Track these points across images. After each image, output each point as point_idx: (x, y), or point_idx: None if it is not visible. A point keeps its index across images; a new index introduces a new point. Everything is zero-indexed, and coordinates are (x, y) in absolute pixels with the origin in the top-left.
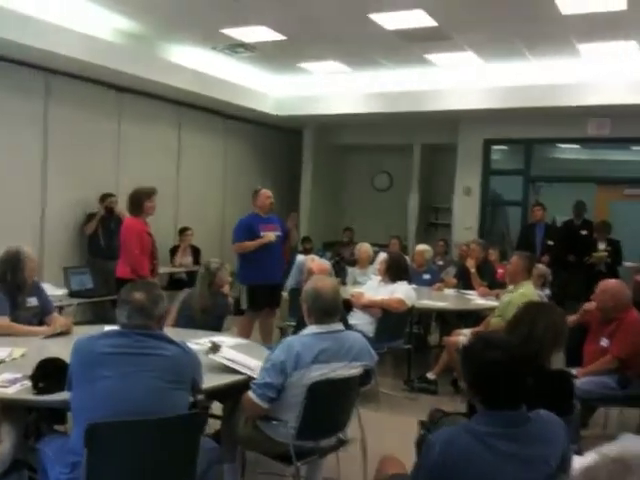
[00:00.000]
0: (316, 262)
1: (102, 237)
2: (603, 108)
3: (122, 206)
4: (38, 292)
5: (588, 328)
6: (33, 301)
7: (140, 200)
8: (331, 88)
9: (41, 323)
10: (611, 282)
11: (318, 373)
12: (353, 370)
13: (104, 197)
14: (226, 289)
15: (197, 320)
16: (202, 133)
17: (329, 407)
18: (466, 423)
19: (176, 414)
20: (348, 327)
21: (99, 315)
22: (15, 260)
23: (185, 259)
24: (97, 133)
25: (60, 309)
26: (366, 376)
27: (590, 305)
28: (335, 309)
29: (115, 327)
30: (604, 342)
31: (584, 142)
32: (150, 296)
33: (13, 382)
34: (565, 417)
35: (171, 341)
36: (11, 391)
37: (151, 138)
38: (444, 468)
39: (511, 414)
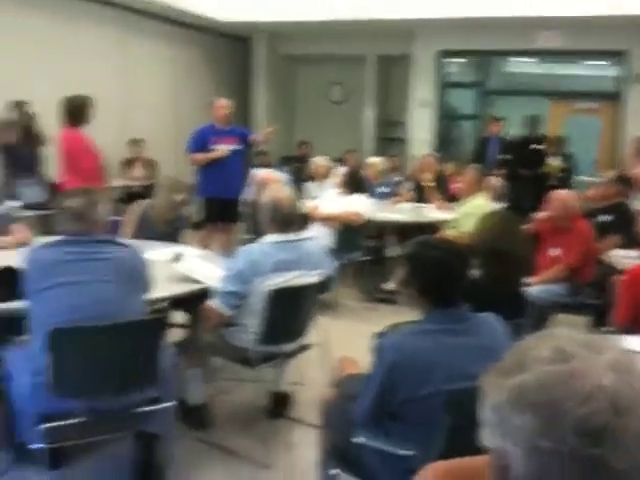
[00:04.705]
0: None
1: (24, 148)
2: (557, 19)
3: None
4: None
5: (540, 238)
6: None
7: (83, 108)
8: None
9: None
10: (562, 192)
11: (277, 281)
12: (312, 278)
13: (20, 104)
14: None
15: (158, 232)
16: (149, 40)
17: (289, 313)
18: (413, 326)
19: (135, 318)
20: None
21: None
22: None
23: (140, 171)
24: (40, 43)
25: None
26: (326, 283)
27: (542, 215)
28: (294, 218)
29: None
30: (555, 251)
31: (536, 55)
32: (87, 201)
33: None
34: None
35: (119, 243)
36: None
37: (91, 45)
38: (400, 367)
39: (456, 312)
